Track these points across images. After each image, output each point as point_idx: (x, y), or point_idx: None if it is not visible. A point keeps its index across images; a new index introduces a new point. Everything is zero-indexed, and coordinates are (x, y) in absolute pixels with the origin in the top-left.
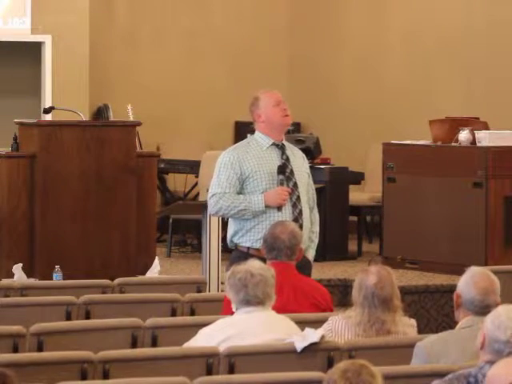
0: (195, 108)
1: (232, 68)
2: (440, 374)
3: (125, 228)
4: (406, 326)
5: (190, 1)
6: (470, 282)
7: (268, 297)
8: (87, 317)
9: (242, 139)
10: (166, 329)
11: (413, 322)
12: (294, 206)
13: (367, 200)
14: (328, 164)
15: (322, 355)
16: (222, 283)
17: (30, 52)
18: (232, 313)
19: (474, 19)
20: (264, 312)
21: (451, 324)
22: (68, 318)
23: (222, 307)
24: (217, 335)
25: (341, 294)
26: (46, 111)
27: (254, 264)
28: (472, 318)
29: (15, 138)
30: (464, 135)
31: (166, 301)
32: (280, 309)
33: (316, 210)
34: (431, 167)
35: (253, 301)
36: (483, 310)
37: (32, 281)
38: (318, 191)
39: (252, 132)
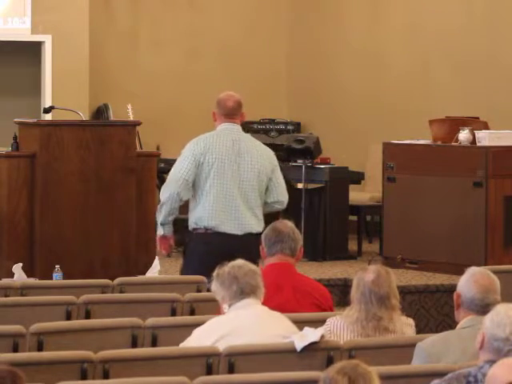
0: (195, 108)
1: (232, 68)
2: (440, 374)
3: (125, 228)
4: (404, 325)
5: (190, 1)
6: (470, 280)
7: (258, 287)
8: (87, 317)
9: None
10: (166, 329)
11: (410, 321)
12: None
13: (367, 200)
14: (328, 164)
15: (322, 355)
16: None
17: (29, 52)
18: None
19: (474, 18)
20: (256, 308)
21: (451, 324)
22: (68, 317)
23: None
24: (210, 335)
25: (341, 294)
26: (46, 111)
27: (236, 261)
28: (472, 317)
29: (15, 138)
30: (464, 135)
31: (165, 301)
32: (280, 309)
33: None
34: (431, 167)
35: (247, 289)
36: (483, 309)
37: (32, 281)
38: (318, 191)
39: (252, 132)
